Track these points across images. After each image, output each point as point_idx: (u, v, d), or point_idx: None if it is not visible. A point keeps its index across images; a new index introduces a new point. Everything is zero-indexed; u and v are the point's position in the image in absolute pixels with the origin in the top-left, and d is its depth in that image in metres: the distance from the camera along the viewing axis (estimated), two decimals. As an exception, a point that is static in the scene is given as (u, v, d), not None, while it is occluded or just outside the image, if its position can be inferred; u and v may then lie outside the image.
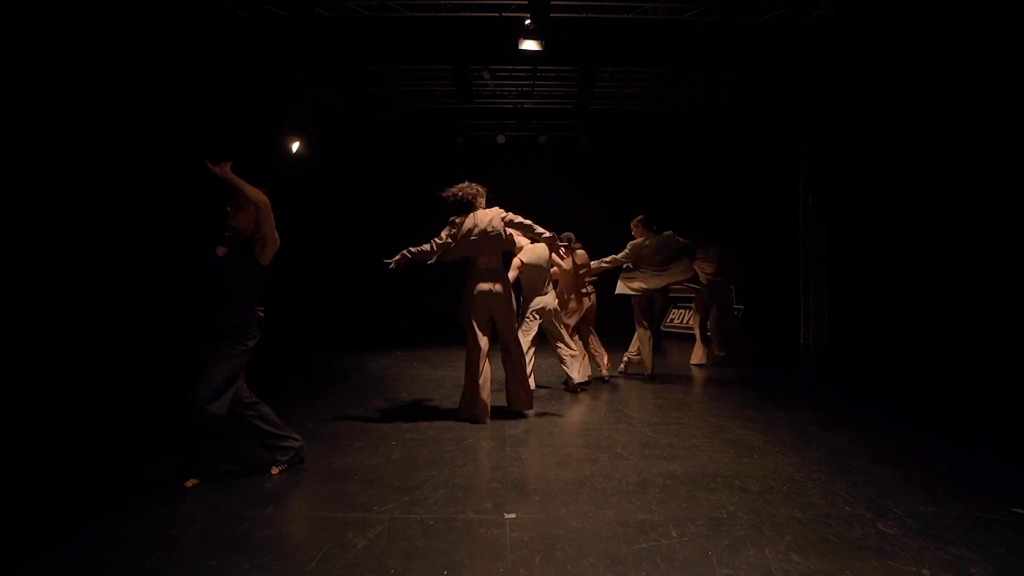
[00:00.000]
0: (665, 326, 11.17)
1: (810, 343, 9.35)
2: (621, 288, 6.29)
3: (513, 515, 2.75)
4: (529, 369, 5.13)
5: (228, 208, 3.19)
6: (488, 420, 4.46)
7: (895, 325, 7.57)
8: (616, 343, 7.24)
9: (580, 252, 6.01)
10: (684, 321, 10.64)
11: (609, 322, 8.17)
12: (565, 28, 7.18)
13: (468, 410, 4.52)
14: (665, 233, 6.27)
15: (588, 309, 6.10)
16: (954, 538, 2.52)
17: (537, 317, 5.44)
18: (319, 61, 7.80)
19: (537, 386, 5.65)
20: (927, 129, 6.99)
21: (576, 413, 4.89)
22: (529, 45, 7.01)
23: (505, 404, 4.74)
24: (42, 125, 5.11)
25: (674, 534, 2.57)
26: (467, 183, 4.65)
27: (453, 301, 5.81)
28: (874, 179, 7.99)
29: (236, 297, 3.17)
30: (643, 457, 3.64)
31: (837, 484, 3.15)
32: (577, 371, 5.57)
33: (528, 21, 6.87)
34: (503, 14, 7.03)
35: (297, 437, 3.42)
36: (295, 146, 9.49)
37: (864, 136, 8.14)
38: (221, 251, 3.21)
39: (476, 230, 4.50)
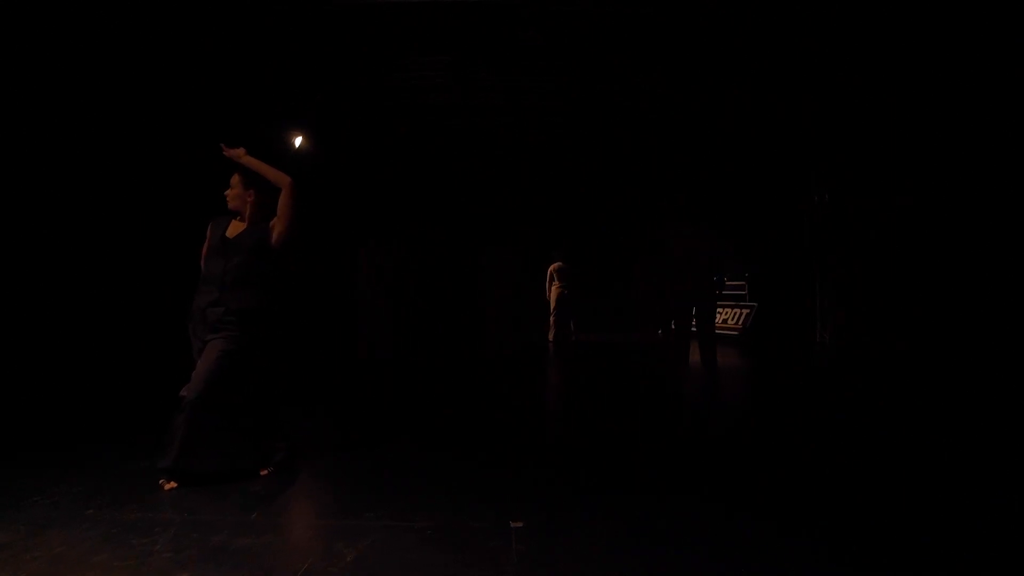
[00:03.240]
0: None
1: (826, 341, 9.04)
2: None
3: (520, 524, 2.50)
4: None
5: (227, 190, 3.13)
6: None
7: (910, 323, 7.28)
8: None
9: None
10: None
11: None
12: (565, 20, 6.88)
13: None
14: None
15: None
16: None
17: None
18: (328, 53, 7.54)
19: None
20: (940, 123, 6.71)
21: (589, 411, 4.65)
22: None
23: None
24: (49, 123, 4.98)
25: (702, 546, 2.31)
26: None
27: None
28: (887, 174, 7.71)
29: (244, 280, 2.99)
30: (666, 457, 3.39)
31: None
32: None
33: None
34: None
35: (289, 437, 3.20)
36: (298, 141, 9.27)
37: (876, 130, 7.85)
38: (232, 232, 3.08)
39: None
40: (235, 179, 3.12)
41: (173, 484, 2.85)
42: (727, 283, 10.00)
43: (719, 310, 10.02)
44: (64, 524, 2.46)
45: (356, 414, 4.63)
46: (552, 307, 9.68)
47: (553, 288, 9.65)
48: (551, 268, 9.72)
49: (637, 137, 10.80)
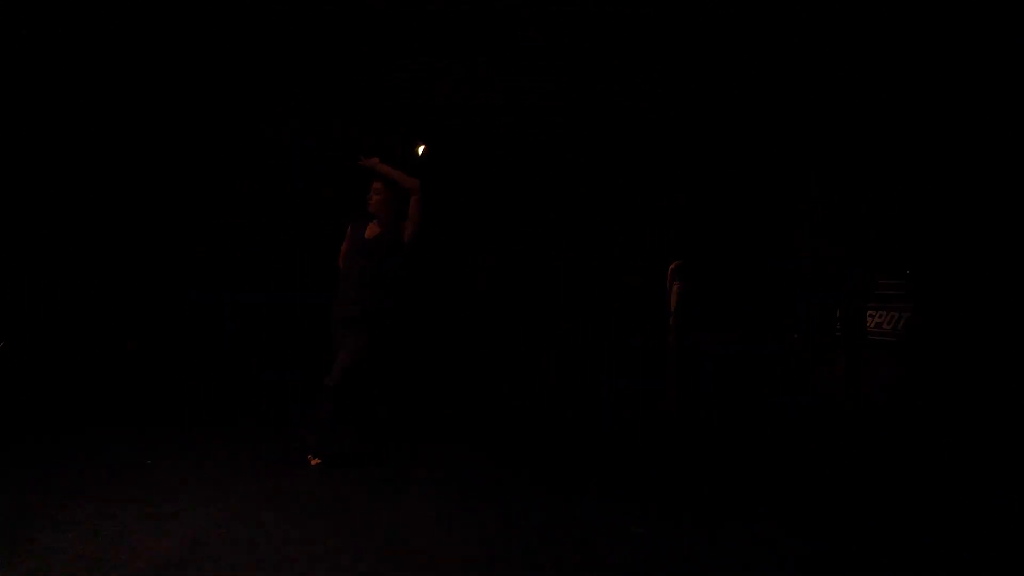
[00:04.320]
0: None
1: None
2: None
3: (642, 530, 2.46)
4: None
5: (369, 196, 3.36)
6: None
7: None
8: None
9: None
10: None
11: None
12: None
13: None
14: None
15: None
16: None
17: None
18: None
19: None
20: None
21: (712, 421, 4.48)
22: None
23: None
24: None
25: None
26: None
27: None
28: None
29: (378, 279, 3.25)
30: (803, 479, 3.27)
31: None
32: None
33: None
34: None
35: (399, 427, 3.49)
36: (420, 150, 9.65)
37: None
38: (369, 233, 3.32)
39: None
40: (379, 185, 3.33)
41: (318, 460, 3.17)
42: (880, 281, 8.96)
43: (869, 312, 9.06)
44: (237, 489, 2.81)
45: (470, 413, 4.82)
46: (671, 308, 9.13)
47: (673, 288, 9.10)
48: (671, 266, 9.24)
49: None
